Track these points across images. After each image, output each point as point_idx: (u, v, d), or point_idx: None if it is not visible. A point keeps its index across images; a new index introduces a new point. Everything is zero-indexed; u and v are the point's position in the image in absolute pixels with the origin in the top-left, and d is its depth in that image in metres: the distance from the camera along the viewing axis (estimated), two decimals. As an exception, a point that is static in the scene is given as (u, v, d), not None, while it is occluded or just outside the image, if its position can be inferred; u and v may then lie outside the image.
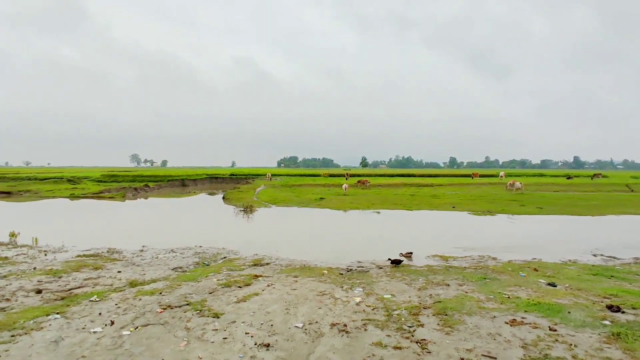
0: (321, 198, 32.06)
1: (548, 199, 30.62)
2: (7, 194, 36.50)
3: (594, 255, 12.97)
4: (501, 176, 48.82)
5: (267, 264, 11.59)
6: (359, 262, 12.01)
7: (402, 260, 11.46)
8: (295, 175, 66.96)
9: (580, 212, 24.65)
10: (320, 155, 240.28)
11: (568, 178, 51.17)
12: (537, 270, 9.97)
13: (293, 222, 22.33)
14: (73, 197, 35.73)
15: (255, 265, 11.40)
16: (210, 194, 43.26)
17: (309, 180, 50.17)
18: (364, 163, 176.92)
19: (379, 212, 24.77)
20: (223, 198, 34.45)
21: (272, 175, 58.16)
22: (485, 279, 9.20)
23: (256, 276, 9.60)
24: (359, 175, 56.54)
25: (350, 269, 10.82)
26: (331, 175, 64.49)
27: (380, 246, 14.59)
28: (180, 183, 54.76)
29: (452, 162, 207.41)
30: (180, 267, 11.35)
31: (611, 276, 9.74)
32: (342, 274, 10.10)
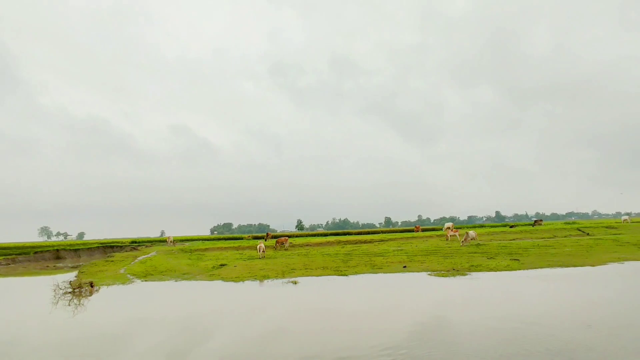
0: (222, 265, 22.42)
1: (513, 248, 24.29)
2: None
3: None
4: (448, 227, 42.54)
5: None
6: None
7: None
8: (212, 239, 55.42)
9: (568, 261, 18.17)
10: (256, 221, 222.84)
11: (511, 227, 47.39)
12: None
13: (112, 318, 12.23)
14: None
15: None
16: (75, 267, 30.70)
17: (221, 244, 39.56)
18: (300, 226, 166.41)
19: (295, 282, 15.81)
20: (80, 272, 23.12)
21: (174, 239, 46.34)
22: None
23: None
24: (289, 237, 46.62)
25: None
26: (255, 238, 54.25)
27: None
28: (52, 255, 40.89)
29: (388, 222, 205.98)
30: None
31: None
32: None
